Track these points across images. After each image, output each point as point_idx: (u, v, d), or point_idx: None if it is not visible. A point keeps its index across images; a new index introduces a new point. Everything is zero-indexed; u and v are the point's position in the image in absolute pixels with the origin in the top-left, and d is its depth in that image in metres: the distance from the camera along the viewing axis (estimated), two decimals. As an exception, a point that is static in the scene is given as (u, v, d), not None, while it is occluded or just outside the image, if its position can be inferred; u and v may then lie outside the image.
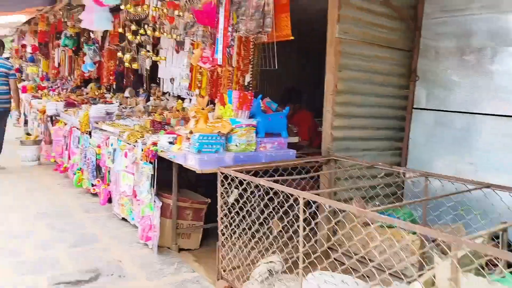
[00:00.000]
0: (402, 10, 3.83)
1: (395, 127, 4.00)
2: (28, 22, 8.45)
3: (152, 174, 3.56)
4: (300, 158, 3.43)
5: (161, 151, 3.47)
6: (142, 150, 3.74)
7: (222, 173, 2.89)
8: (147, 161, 3.62)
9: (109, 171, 4.65)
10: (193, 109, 2.99)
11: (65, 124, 6.17)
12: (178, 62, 5.03)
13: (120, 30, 5.04)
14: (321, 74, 6.59)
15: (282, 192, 2.44)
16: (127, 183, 4.05)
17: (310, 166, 3.42)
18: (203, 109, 2.97)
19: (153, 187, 3.59)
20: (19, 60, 12.58)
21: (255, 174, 3.11)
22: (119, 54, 4.99)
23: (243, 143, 3.15)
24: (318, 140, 5.00)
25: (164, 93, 5.64)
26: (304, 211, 2.25)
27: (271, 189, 2.53)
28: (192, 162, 2.98)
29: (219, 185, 2.92)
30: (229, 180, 2.82)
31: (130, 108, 5.50)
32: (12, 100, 6.54)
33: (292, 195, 2.36)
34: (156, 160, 3.55)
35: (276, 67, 3.56)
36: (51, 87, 9.63)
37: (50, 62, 8.44)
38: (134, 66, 5.05)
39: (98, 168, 4.95)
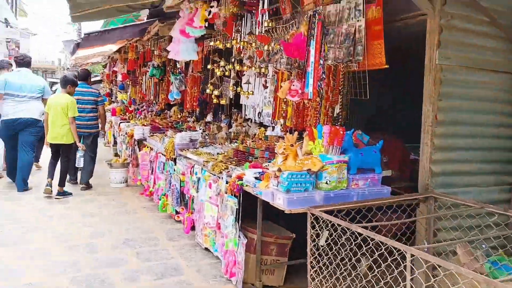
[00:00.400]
0: (510, 29, 3.42)
1: (503, 159, 3.55)
2: (119, 50, 9.04)
3: (237, 209, 3.48)
4: (397, 196, 3.14)
5: (247, 185, 3.38)
6: (226, 183, 3.69)
7: (313, 215, 2.72)
8: (232, 194, 3.55)
9: (192, 199, 4.69)
10: (281, 146, 2.86)
11: (151, 149, 6.39)
12: (261, 89, 4.98)
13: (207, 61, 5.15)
14: (404, 99, 6.25)
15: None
16: (211, 214, 4.02)
17: (407, 204, 3.13)
18: (292, 145, 2.83)
19: (238, 221, 3.50)
20: (110, 84, 13.53)
21: (347, 213, 2.91)
22: (204, 85, 5.10)
23: (334, 180, 2.95)
24: (409, 169, 4.64)
25: (246, 119, 5.62)
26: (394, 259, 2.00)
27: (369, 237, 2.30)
28: (280, 201, 2.84)
29: (309, 227, 2.75)
30: (320, 223, 2.64)
31: (213, 134, 5.55)
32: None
33: (397, 249, 2.11)
34: (241, 194, 3.48)
35: (368, 97, 3.33)
36: (138, 109, 10.18)
37: (138, 88, 8.91)
38: (222, 102, 5.13)
39: (182, 195, 5.02)
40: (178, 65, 6.66)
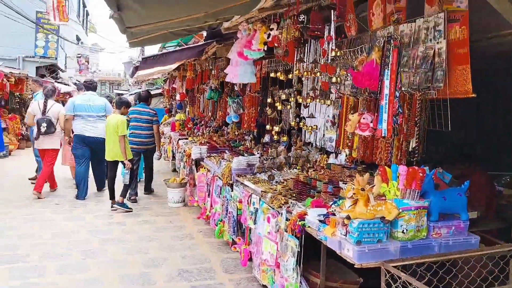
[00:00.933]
0: None
1: None
2: (178, 68, 9.12)
3: (298, 251, 3.17)
4: (489, 248, 2.68)
5: (309, 227, 3.07)
6: (287, 220, 3.40)
7: (388, 271, 2.35)
8: (292, 234, 3.25)
9: (250, 230, 4.44)
10: (350, 189, 2.52)
11: (208, 171, 6.26)
12: (323, 111, 4.65)
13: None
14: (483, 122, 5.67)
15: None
16: (269, 251, 3.74)
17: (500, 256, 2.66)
18: (363, 189, 2.48)
19: (300, 265, 3.19)
20: (169, 99, 13.78)
21: (428, 267, 2.51)
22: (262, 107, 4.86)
23: (411, 229, 2.56)
24: (495, 206, 4.08)
25: (306, 143, 5.30)
26: None
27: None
28: (349, 253, 2.49)
29: (383, 284, 2.39)
30: (398, 284, 2.26)
31: (272, 159, 5.28)
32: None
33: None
34: (303, 235, 3.17)
35: (450, 129, 2.90)
36: (196, 124, 10.20)
37: (195, 107, 8.90)
38: (283, 139, 4.89)
39: (239, 224, 4.79)
40: (236, 88, 6.50)
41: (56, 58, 21.03)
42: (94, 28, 44.39)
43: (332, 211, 2.85)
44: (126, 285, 4.14)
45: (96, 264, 4.63)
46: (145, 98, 7.90)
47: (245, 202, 4.49)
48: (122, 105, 6.95)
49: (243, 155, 5.58)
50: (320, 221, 2.89)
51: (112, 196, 6.81)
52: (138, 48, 28.96)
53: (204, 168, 6.50)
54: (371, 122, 2.78)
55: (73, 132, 7.49)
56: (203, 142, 7.89)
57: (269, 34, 3.91)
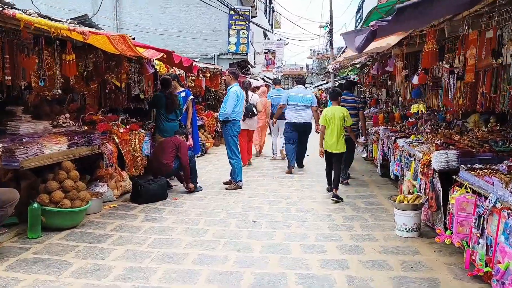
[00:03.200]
0: None
1: None
2: (398, 43, 6.82)
3: None
4: None
5: None
6: None
7: None
8: None
9: None
10: None
11: (476, 194, 3.91)
12: None
13: None
14: None
15: None
16: None
17: None
18: None
19: None
20: (371, 88, 11.61)
21: None
22: None
23: None
24: None
25: None
26: None
27: None
28: None
29: None
30: None
31: None
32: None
33: None
34: None
35: None
36: (420, 117, 7.73)
37: (437, 94, 6.46)
38: None
39: None
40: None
41: (246, 54, 21.07)
42: (279, 24, 45.14)
43: None
44: None
45: None
46: (348, 86, 8.35)
47: None
48: (338, 96, 7.05)
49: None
50: None
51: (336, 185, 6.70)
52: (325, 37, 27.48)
53: (464, 187, 4.16)
54: None
55: (285, 119, 9.04)
56: (439, 143, 5.54)
57: None
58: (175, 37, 19.84)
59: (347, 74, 18.61)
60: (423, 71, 6.33)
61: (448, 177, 4.72)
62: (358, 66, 12.92)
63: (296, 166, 9.09)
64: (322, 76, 36.23)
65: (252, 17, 22.50)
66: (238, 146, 7.58)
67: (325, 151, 6.76)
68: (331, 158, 6.79)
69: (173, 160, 6.74)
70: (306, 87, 13.40)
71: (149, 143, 7.39)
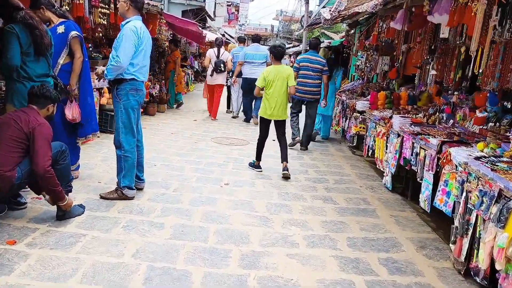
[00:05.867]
0: None
1: None
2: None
3: None
4: None
5: None
6: None
7: None
8: None
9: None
10: None
11: None
12: None
13: None
14: None
15: None
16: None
17: None
18: None
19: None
20: (371, 52, 8.45)
21: None
22: None
23: None
24: None
25: None
26: None
27: None
28: None
29: None
30: None
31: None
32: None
33: None
34: None
35: None
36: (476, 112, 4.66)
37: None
38: None
39: None
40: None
41: (204, 1, 17.20)
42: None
43: None
44: None
45: None
46: (315, 46, 7.58)
47: None
48: (282, 57, 5.95)
49: None
50: None
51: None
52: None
53: None
54: None
55: (241, 75, 9.45)
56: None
57: None
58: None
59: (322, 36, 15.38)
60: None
61: None
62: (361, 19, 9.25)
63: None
64: (288, 41, 32.92)
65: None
66: (140, 126, 4.49)
67: (262, 118, 5.87)
68: (269, 126, 5.90)
69: (16, 163, 3.29)
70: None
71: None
